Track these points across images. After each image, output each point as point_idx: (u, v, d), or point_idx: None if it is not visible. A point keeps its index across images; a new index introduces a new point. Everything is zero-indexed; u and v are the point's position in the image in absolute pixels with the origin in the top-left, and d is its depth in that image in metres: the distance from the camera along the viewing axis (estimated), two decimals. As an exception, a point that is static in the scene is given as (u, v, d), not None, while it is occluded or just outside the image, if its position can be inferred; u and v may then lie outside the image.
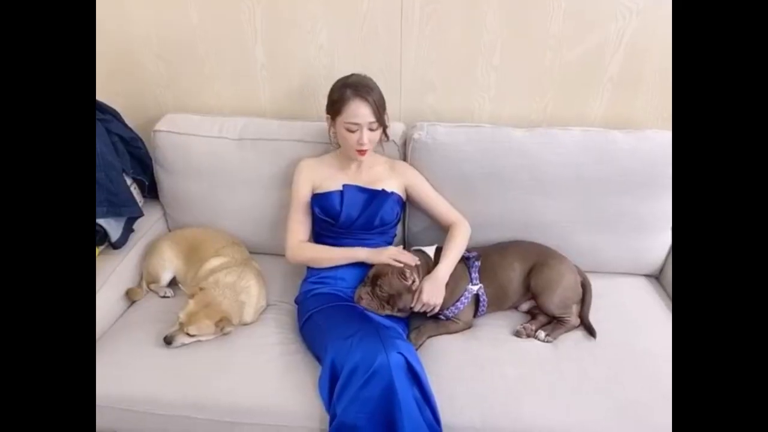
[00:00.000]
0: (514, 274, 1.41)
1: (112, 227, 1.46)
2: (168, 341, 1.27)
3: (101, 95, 1.67)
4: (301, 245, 1.43)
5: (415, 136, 1.49)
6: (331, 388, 1.12)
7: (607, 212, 1.49)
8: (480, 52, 1.54)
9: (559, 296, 1.36)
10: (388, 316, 1.32)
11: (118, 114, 1.56)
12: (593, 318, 1.38)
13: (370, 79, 1.34)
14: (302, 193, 1.43)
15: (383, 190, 1.40)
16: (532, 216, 1.51)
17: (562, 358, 1.27)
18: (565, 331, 1.36)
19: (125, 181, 1.51)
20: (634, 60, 1.50)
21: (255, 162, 1.56)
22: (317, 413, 1.16)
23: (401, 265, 1.30)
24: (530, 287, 1.38)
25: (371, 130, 1.30)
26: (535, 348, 1.31)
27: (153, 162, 1.65)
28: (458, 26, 1.50)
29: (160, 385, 1.21)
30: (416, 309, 1.32)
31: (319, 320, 1.27)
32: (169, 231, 1.71)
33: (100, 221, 1.41)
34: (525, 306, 1.44)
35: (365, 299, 1.31)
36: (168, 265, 1.50)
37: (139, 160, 1.62)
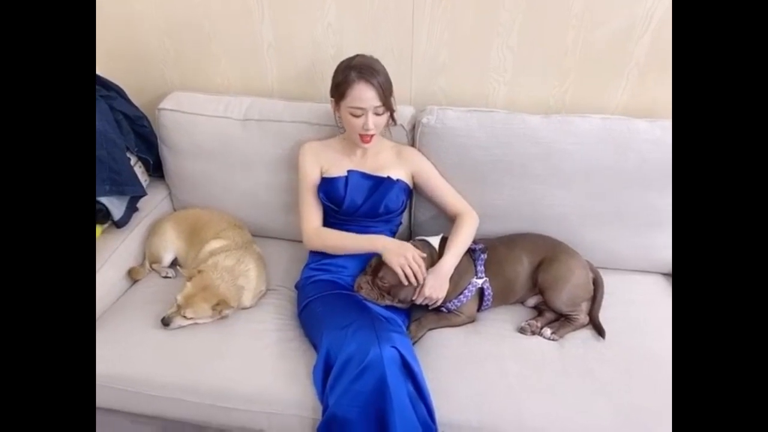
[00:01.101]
0: (521, 267, 1.35)
1: (115, 206, 1.45)
2: (165, 323, 1.27)
3: (105, 72, 1.65)
4: (318, 232, 1.37)
5: (424, 120, 1.43)
6: (325, 378, 1.10)
7: (623, 206, 1.41)
8: (496, 32, 1.45)
9: (568, 293, 1.29)
10: (388, 307, 1.28)
11: (123, 91, 1.54)
12: (603, 316, 1.32)
13: (376, 61, 1.28)
14: (312, 177, 1.38)
15: (389, 178, 1.35)
16: (543, 208, 1.44)
17: (567, 358, 1.22)
18: (573, 330, 1.30)
19: (128, 159, 1.49)
20: (662, 44, 1.39)
21: (259, 143, 1.53)
22: (310, 402, 1.14)
23: (409, 271, 1.22)
24: (538, 282, 1.33)
25: (377, 114, 1.24)
26: (540, 346, 1.26)
27: (158, 141, 1.63)
28: (473, 4, 1.41)
29: (156, 367, 1.21)
30: (418, 302, 1.28)
31: (317, 308, 1.25)
32: (174, 211, 1.70)
33: (102, 200, 1.41)
34: (532, 301, 1.38)
35: (365, 288, 1.27)
36: (170, 245, 1.49)
37: (144, 138, 1.60)
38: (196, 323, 1.29)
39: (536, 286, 1.34)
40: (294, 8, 1.50)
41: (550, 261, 1.33)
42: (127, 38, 1.63)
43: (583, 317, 1.31)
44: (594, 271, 1.40)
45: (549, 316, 1.33)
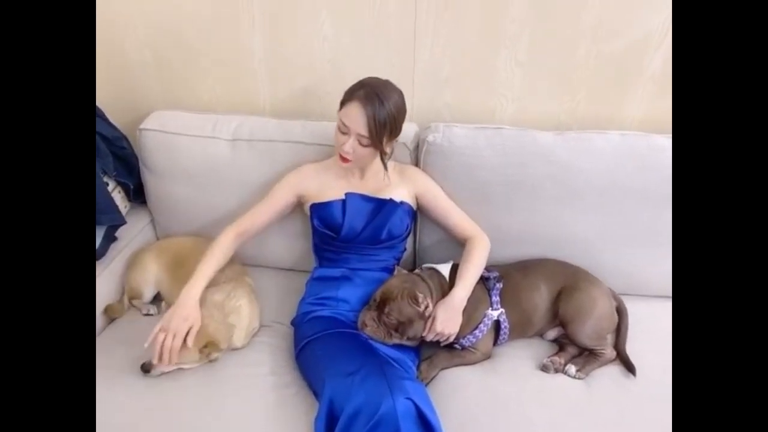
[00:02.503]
0: (539, 297, 1.24)
1: (90, 236, 1.31)
2: (146, 369, 1.12)
3: None
4: (224, 237, 1.25)
5: (429, 138, 1.33)
6: (329, 431, 0.96)
7: (646, 228, 1.31)
8: (503, 45, 1.36)
9: (592, 325, 1.18)
10: (395, 346, 1.16)
11: (100, 110, 1.41)
12: (630, 349, 1.20)
13: (395, 91, 1.14)
14: (278, 200, 1.29)
15: (391, 200, 1.24)
16: (560, 231, 1.34)
17: (597, 399, 1.10)
18: (599, 366, 1.18)
19: (105, 185, 1.35)
20: (681, 55, 1.31)
21: (250, 165, 1.41)
22: (312, 460, 1.00)
23: (158, 345, 1.07)
24: (558, 314, 1.21)
25: (360, 143, 1.13)
26: (565, 385, 1.14)
27: (139, 164, 1.50)
28: (478, 15, 1.32)
29: (133, 423, 1.06)
30: (429, 339, 1.16)
31: (316, 350, 1.12)
32: (157, 239, 1.56)
33: (75, 230, 1.26)
34: (551, 334, 1.27)
35: (370, 326, 1.14)
36: (151, 279, 1.35)
37: (124, 161, 1.47)
38: (181, 368, 1.15)
39: (556, 318, 1.23)
40: (287, 19, 1.40)
41: (571, 290, 1.22)
42: (105, 50, 1.49)
43: (610, 351, 1.20)
44: (617, 299, 1.29)
45: (572, 351, 1.21)
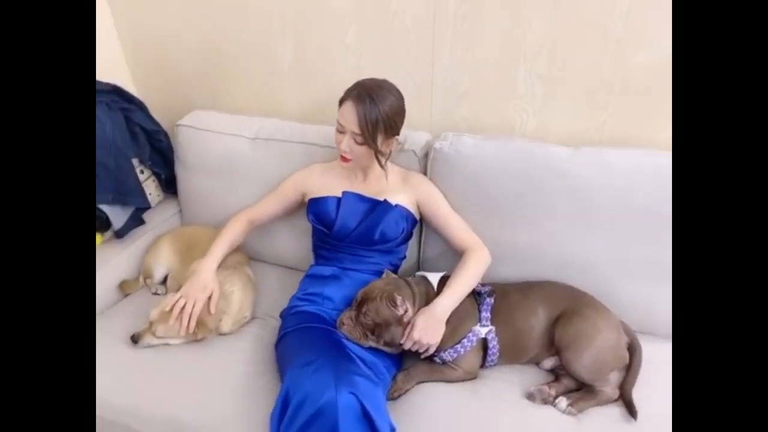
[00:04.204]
0: (536, 320, 1.13)
1: (117, 215, 1.43)
2: (134, 340, 1.18)
3: (139, 87, 1.73)
4: (234, 221, 1.34)
5: (437, 145, 1.31)
6: (281, 421, 0.94)
7: (663, 255, 1.16)
8: (522, 57, 1.32)
9: (591, 356, 1.05)
10: (372, 350, 1.11)
11: (144, 106, 1.57)
12: (638, 393, 1.05)
13: (391, 93, 1.14)
14: (285, 192, 1.36)
15: (385, 201, 1.23)
16: (569, 252, 1.23)
17: (584, 440, 0.97)
18: (596, 405, 1.05)
19: (134, 170, 1.48)
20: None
21: (266, 162, 1.47)
22: (264, 450, 0.98)
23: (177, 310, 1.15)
24: (555, 340, 1.10)
25: (355, 141, 1.13)
26: (552, 419, 1.02)
27: (174, 157, 1.63)
28: (498, 25, 1.30)
29: (112, 387, 1.11)
30: (406, 346, 1.10)
31: (290, 341, 1.11)
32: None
33: (104, 208, 1.39)
34: (548, 363, 1.15)
35: (347, 325, 1.12)
36: (162, 261, 1.43)
37: (160, 152, 1.60)
38: (167, 344, 1.20)
39: (554, 345, 1.11)
40: (315, 29, 1.48)
41: (571, 315, 1.11)
42: (163, 58, 1.68)
43: (611, 391, 1.05)
44: (630, 334, 1.15)
45: (567, 383, 1.09)
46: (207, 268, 1.23)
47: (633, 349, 1.12)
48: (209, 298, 1.20)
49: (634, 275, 1.20)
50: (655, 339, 1.18)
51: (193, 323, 1.16)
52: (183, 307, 1.16)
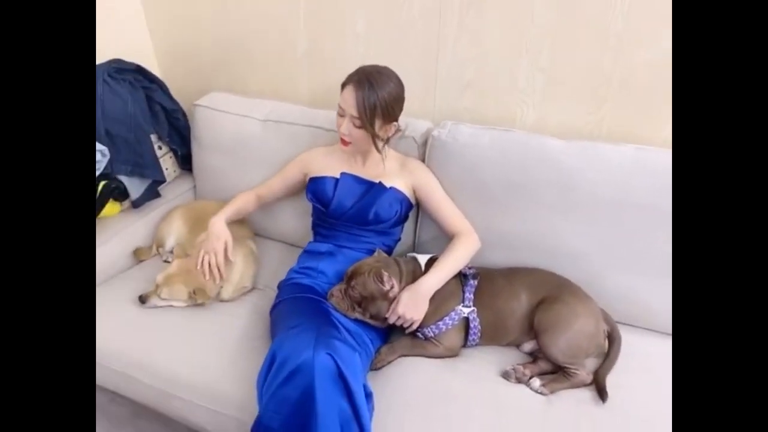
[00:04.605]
0: (517, 304, 1.17)
1: (134, 186, 1.53)
2: (142, 300, 1.28)
3: (162, 69, 1.84)
4: (243, 194, 1.44)
5: (435, 133, 1.35)
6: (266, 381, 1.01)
7: (655, 249, 1.18)
8: (524, 50, 1.35)
9: (568, 340, 1.09)
10: (359, 322, 1.17)
11: (165, 86, 1.66)
12: (612, 381, 1.08)
13: (391, 80, 1.18)
14: (289, 173, 1.44)
15: (380, 183, 1.28)
16: (557, 241, 1.26)
17: (552, 416, 1.01)
18: (569, 387, 1.08)
19: (153, 145, 1.58)
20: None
21: (274, 143, 1.55)
22: (251, 406, 1.05)
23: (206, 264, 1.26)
24: (534, 323, 1.14)
25: (354, 125, 1.19)
26: (523, 397, 1.06)
27: (191, 135, 1.72)
28: (500, 17, 1.34)
29: (120, 341, 1.21)
30: (391, 321, 1.16)
31: (283, 309, 1.18)
32: (195, 202, 1.77)
33: (123, 179, 1.50)
34: (528, 346, 1.19)
35: (336, 296, 1.18)
36: (174, 231, 1.53)
37: (177, 130, 1.70)
38: (171, 306, 1.29)
39: (533, 329, 1.15)
40: (327, 19, 1.54)
41: (552, 301, 1.14)
42: (187, 43, 1.78)
43: (585, 374, 1.09)
44: (611, 323, 1.17)
45: (543, 366, 1.12)
46: (217, 221, 1.33)
47: (612, 339, 1.15)
48: (226, 246, 1.30)
49: (626, 268, 1.22)
50: (636, 331, 1.21)
51: (222, 272, 1.29)
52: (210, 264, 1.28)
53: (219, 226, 1.32)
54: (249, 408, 1.05)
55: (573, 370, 1.09)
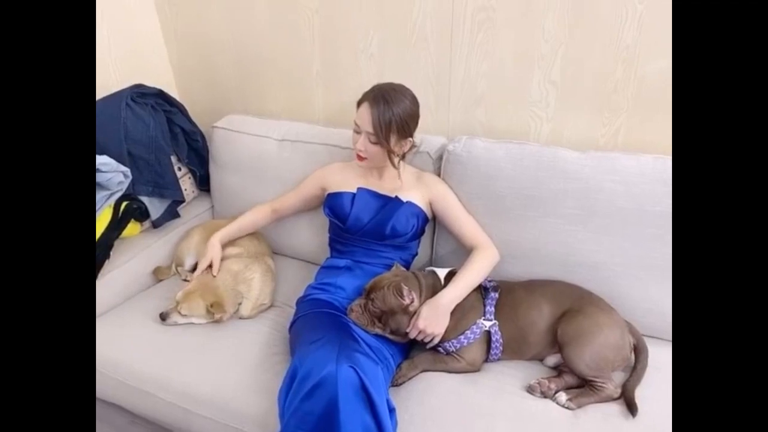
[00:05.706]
0: (539, 316, 1.16)
1: (155, 206, 1.56)
2: (163, 317, 1.29)
3: (180, 90, 1.90)
4: (262, 206, 1.49)
5: (450, 147, 1.37)
6: (288, 395, 1.00)
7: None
8: (536, 64, 1.37)
9: (592, 353, 1.07)
10: (378, 337, 1.16)
11: (185, 109, 1.71)
12: (641, 394, 1.05)
13: (406, 97, 1.21)
14: (305, 189, 1.46)
15: (396, 197, 1.29)
16: (575, 252, 1.25)
17: (579, 431, 0.98)
18: (597, 401, 1.05)
19: (173, 166, 1.62)
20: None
21: (290, 163, 1.57)
22: (273, 422, 1.04)
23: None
24: (557, 336, 1.12)
25: (370, 141, 1.21)
26: (549, 411, 1.03)
27: (209, 156, 1.76)
28: (512, 34, 1.36)
29: (140, 358, 1.21)
30: (411, 335, 1.15)
31: (302, 324, 1.18)
32: (213, 222, 1.79)
33: (144, 199, 1.53)
34: (552, 360, 1.16)
35: (356, 311, 1.18)
36: (193, 250, 1.54)
37: (196, 151, 1.74)
38: (192, 323, 1.30)
39: (557, 342, 1.13)
40: (340, 39, 1.58)
41: (575, 313, 1.13)
42: (205, 63, 1.83)
43: (612, 389, 1.06)
44: (636, 335, 1.15)
45: (569, 380, 1.10)
46: (213, 239, 1.41)
47: (639, 351, 1.13)
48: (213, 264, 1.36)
49: (645, 279, 1.20)
50: (660, 343, 1.18)
51: (216, 268, 1.35)
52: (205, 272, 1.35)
53: (210, 244, 1.39)
54: (271, 424, 1.04)
55: (600, 384, 1.06)
